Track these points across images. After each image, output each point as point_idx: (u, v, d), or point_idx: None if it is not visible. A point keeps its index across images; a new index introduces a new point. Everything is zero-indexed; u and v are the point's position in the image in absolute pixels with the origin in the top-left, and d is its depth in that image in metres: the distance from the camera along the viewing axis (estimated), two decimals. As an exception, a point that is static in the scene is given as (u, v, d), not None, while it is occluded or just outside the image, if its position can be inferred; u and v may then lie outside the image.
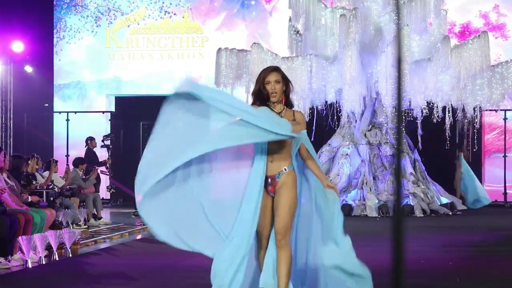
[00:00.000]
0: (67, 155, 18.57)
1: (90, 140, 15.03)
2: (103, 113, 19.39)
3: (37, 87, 18.87)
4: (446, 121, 15.42)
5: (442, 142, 16.44)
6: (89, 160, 14.28)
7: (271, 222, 4.92)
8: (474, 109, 15.37)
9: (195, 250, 4.83)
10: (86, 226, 12.03)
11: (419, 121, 15.42)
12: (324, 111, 15.89)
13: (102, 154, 15.79)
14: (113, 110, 19.64)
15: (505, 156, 18.19)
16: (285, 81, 5.05)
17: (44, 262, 8.08)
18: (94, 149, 15.03)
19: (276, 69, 5.10)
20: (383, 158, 15.81)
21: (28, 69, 18.55)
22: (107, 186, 16.31)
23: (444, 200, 15.66)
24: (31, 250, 7.94)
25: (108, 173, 15.85)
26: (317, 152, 17.27)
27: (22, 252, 7.92)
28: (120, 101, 19.75)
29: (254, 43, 16.04)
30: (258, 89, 5.02)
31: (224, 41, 17.80)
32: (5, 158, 9.16)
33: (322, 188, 4.94)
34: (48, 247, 8.37)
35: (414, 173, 15.73)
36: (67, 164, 14.90)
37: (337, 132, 16.48)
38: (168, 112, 4.72)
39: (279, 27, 18.23)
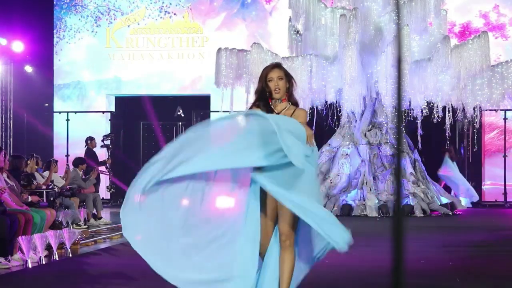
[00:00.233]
0: (67, 155, 18.57)
1: (90, 140, 15.03)
2: (103, 113, 19.39)
3: (37, 87, 18.87)
4: (446, 121, 15.42)
5: (442, 142, 16.47)
6: (89, 159, 14.27)
7: (275, 223, 4.85)
8: (474, 109, 15.37)
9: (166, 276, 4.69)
10: (86, 226, 12.03)
11: (419, 121, 15.42)
12: (324, 111, 15.89)
13: (102, 154, 15.80)
14: (113, 110, 19.64)
15: (505, 156, 18.18)
16: (288, 78, 5.00)
17: (44, 262, 8.07)
18: (94, 149, 15.03)
19: (278, 65, 5.06)
20: (383, 158, 15.81)
21: (28, 69, 18.55)
22: (107, 186, 16.32)
23: (444, 200, 15.66)
24: (31, 250, 7.94)
25: (107, 173, 15.85)
26: (317, 152, 17.24)
27: (22, 252, 7.92)
28: (120, 101, 19.75)
29: (254, 43, 16.04)
30: (261, 87, 4.98)
31: (224, 41, 17.80)
32: (5, 158, 9.16)
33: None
34: (48, 247, 8.37)
35: (414, 173, 15.73)
36: (67, 164, 14.90)
37: (337, 132, 16.48)
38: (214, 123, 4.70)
39: (279, 27, 18.22)
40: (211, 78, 16.40)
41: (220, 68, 15.79)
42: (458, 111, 15.55)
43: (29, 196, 9.70)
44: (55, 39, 19.40)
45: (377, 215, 14.83)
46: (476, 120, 15.48)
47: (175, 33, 19.28)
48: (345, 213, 14.88)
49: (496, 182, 18.33)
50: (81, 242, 9.62)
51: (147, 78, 19.27)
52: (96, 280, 6.99)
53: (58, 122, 19.37)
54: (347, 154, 15.97)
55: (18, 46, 17.37)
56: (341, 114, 15.78)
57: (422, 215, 14.83)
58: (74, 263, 8.31)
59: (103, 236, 10.92)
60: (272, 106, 4.97)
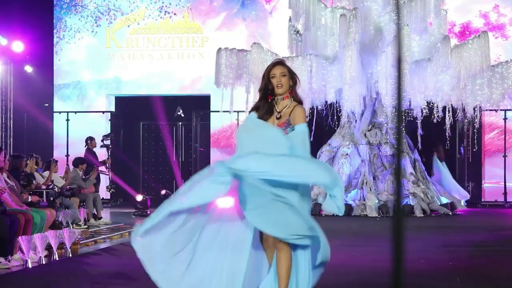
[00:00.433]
0: (67, 155, 18.57)
1: (90, 140, 15.03)
2: (103, 113, 19.39)
3: (37, 87, 18.87)
4: (446, 121, 15.42)
5: (442, 142, 16.46)
6: (88, 161, 14.27)
7: None
8: (474, 109, 15.37)
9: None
10: (86, 226, 12.03)
11: (419, 121, 15.42)
12: (324, 111, 15.89)
13: (102, 154, 15.80)
14: (113, 110, 19.64)
15: (505, 156, 18.18)
16: (291, 75, 4.97)
17: (44, 262, 8.07)
18: (94, 149, 15.03)
19: (281, 62, 5.03)
20: (383, 158, 15.81)
21: (28, 69, 18.55)
22: (107, 186, 16.32)
23: (444, 200, 15.66)
24: (31, 250, 7.94)
25: (107, 173, 15.85)
26: (317, 152, 17.25)
27: (22, 252, 7.92)
28: (120, 101, 19.75)
29: (254, 43, 16.04)
30: (264, 84, 4.95)
31: (224, 41, 17.80)
32: (5, 158, 9.16)
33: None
34: (48, 247, 8.37)
35: (414, 173, 15.73)
36: (67, 164, 14.89)
37: (337, 132, 16.48)
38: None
39: (279, 27, 18.22)
40: (211, 78, 16.40)
41: (220, 68, 15.79)
42: (458, 111, 15.54)
43: (29, 196, 9.70)
44: (55, 39, 19.40)
45: (377, 215, 14.83)
46: (476, 120, 15.48)
47: (175, 33, 19.28)
48: (345, 213, 14.87)
49: (496, 182, 18.33)
50: (81, 242, 9.62)
51: (147, 78, 19.27)
52: (96, 280, 6.99)
53: (58, 122, 19.37)
54: (347, 154, 15.97)
55: (18, 46, 17.36)
56: (341, 114, 15.77)
57: (422, 215, 14.83)
58: (74, 263, 8.31)
59: (103, 236, 10.92)
60: (274, 102, 4.93)
